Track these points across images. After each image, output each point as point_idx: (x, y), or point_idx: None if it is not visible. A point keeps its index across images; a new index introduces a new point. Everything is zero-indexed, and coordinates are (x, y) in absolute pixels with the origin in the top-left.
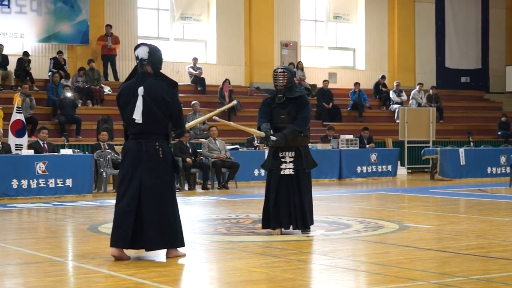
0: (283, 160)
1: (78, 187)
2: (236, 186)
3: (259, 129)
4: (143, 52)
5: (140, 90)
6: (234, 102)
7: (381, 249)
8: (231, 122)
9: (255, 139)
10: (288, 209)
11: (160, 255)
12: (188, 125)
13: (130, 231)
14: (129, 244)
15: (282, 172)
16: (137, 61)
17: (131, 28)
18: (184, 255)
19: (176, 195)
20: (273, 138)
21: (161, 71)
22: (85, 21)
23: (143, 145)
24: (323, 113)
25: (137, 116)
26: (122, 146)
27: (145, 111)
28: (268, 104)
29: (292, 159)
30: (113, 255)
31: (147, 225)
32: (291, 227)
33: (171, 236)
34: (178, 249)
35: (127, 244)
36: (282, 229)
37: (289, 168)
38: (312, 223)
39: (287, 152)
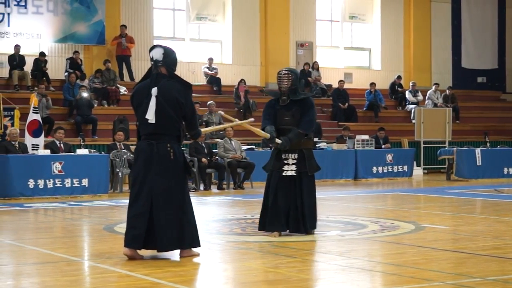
0: (285, 162)
1: (94, 187)
2: (252, 186)
3: (263, 130)
4: (158, 54)
5: (154, 90)
6: (252, 119)
7: (396, 250)
8: (238, 120)
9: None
10: (286, 212)
11: (175, 254)
12: (203, 130)
13: (144, 232)
14: (146, 245)
15: (284, 174)
16: (152, 63)
17: (147, 28)
18: (198, 255)
19: (190, 195)
20: (278, 141)
21: (176, 72)
22: (101, 22)
23: (154, 146)
24: (339, 113)
25: (150, 116)
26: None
27: (158, 111)
28: (273, 106)
29: (295, 161)
30: (125, 254)
31: (158, 226)
32: (289, 230)
33: (183, 237)
34: (193, 248)
35: (141, 245)
36: (281, 232)
37: (292, 170)
38: (314, 227)
39: (290, 154)
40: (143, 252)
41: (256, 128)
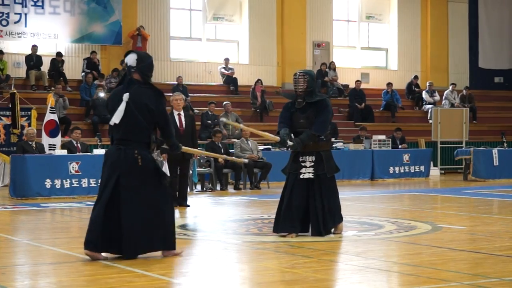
0: (303, 164)
1: None
2: (268, 187)
3: (278, 133)
4: (131, 60)
5: (125, 96)
6: (245, 161)
7: (413, 250)
8: (243, 126)
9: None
10: (303, 214)
11: (185, 254)
12: (184, 149)
13: (100, 234)
14: (104, 248)
15: (301, 176)
16: (126, 68)
17: (163, 28)
18: (180, 253)
19: (168, 199)
20: (289, 143)
21: (151, 78)
22: (118, 22)
23: (122, 152)
24: (356, 113)
25: (116, 119)
26: None
27: (127, 117)
28: (288, 108)
29: (312, 164)
30: (87, 254)
31: (123, 231)
32: (310, 232)
33: (152, 240)
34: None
35: (97, 247)
36: (297, 234)
37: (309, 173)
38: (333, 227)
39: (307, 157)
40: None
41: (268, 133)
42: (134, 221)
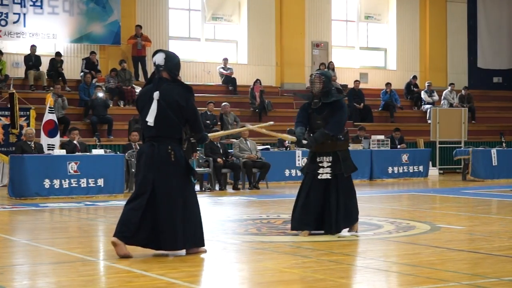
0: (320, 164)
1: (109, 187)
2: (267, 186)
3: (294, 133)
4: (159, 59)
5: (156, 94)
6: (271, 123)
7: (412, 250)
8: (264, 130)
9: (288, 142)
10: (319, 213)
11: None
12: (211, 135)
13: (133, 229)
14: (135, 241)
15: (319, 177)
16: (155, 67)
17: (162, 28)
18: (205, 251)
19: (196, 196)
20: (304, 142)
21: (179, 76)
22: (116, 22)
23: (155, 148)
24: (354, 113)
25: (150, 119)
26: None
27: (159, 115)
28: (305, 109)
29: (329, 164)
30: (113, 242)
31: (160, 227)
32: (324, 231)
33: (185, 236)
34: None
35: (127, 239)
36: (311, 232)
37: (327, 173)
38: (350, 223)
39: (324, 157)
40: (135, 251)
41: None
42: (169, 216)
